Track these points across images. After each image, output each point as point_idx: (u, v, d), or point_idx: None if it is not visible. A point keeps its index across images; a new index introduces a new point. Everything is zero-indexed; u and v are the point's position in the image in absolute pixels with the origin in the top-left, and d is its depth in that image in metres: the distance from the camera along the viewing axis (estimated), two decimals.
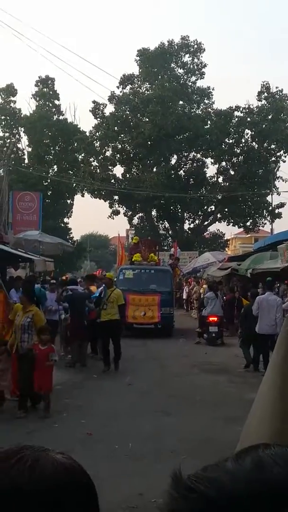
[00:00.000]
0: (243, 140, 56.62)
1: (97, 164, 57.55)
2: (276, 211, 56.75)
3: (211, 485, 0.93)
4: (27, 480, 1.07)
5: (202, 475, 0.97)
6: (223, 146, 55.86)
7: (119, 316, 18.35)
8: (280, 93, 55.63)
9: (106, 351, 17.86)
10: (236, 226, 61.08)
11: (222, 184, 58.17)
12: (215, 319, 24.17)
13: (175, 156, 58.95)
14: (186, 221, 61.07)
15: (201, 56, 59.78)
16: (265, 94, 55.92)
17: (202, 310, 25.30)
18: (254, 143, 56.59)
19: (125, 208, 59.56)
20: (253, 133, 55.59)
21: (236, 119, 55.70)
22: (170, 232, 60.47)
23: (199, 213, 60.10)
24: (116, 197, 58.02)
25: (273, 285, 19.81)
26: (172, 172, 57.23)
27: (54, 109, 60.71)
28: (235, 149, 56.75)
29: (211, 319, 24.16)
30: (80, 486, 1.14)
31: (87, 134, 57.85)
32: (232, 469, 0.95)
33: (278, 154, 56.76)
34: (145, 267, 28.33)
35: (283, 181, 57.19)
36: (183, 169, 59.57)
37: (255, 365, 17.85)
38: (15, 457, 1.11)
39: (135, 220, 61.44)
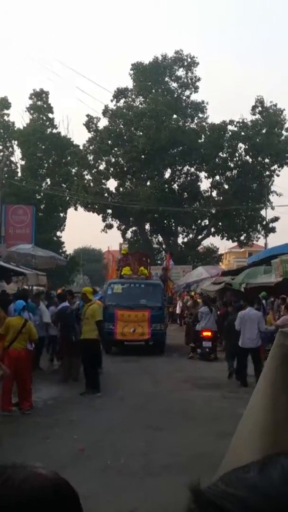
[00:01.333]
0: (237, 154, 56.80)
1: (90, 178, 57.64)
2: (270, 225, 56.89)
3: (239, 504, 0.87)
4: (15, 502, 1.07)
5: (226, 491, 0.91)
6: (217, 160, 56.02)
7: (97, 335, 16.50)
8: (274, 107, 55.84)
9: (85, 373, 16.71)
10: (230, 240, 61.15)
11: (216, 198, 58.26)
12: (209, 334, 24.07)
13: (169, 170, 59.03)
14: (180, 235, 61.17)
15: (195, 70, 60.00)
16: (259, 108, 56.11)
17: (195, 325, 24.93)
18: (248, 157, 56.77)
19: (118, 222, 59.58)
20: (247, 147, 55.77)
21: (230, 133, 55.88)
22: (163, 246, 60.49)
23: (193, 227, 60.18)
24: (109, 211, 58.07)
25: (255, 300, 20.15)
26: (166, 186, 57.29)
27: (47, 123, 60.75)
28: (229, 163, 56.91)
29: (204, 333, 24.05)
30: (66, 502, 1.14)
31: (81, 147, 57.92)
32: (259, 484, 0.88)
33: (272, 168, 56.91)
34: (135, 281, 27.52)
35: (277, 195, 57.37)
36: (177, 183, 59.66)
37: (240, 378, 17.98)
38: (2, 478, 1.12)
39: (129, 234, 61.48)
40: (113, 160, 57.33)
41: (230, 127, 55.95)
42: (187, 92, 60.16)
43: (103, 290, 31.35)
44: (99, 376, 17.21)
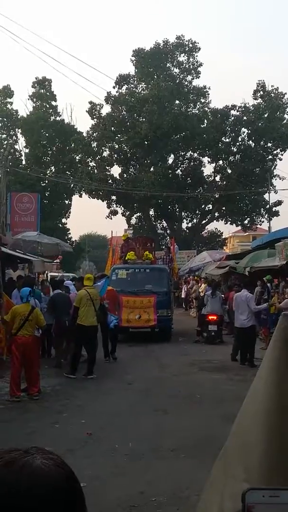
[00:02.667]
0: (239, 139, 56.80)
1: (94, 165, 57.61)
2: (274, 209, 56.84)
3: None
4: (15, 490, 1.14)
5: None
6: (220, 145, 55.94)
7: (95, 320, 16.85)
8: (276, 92, 55.71)
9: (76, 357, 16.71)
10: (234, 224, 61.20)
11: (220, 183, 58.27)
12: (215, 317, 24.25)
13: (172, 156, 59.00)
14: (184, 220, 61.15)
15: (197, 55, 59.75)
16: (261, 92, 56.00)
17: (201, 309, 25.16)
18: (250, 141, 56.74)
19: (123, 208, 59.58)
20: (249, 131, 55.72)
21: (233, 118, 55.83)
22: (168, 231, 60.52)
23: (197, 212, 60.18)
24: (113, 197, 58.07)
25: (250, 283, 21.28)
26: (170, 171, 57.21)
27: (51, 110, 60.62)
28: (232, 148, 56.90)
29: (210, 317, 24.23)
30: (66, 490, 1.19)
31: (84, 134, 57.86)
32: None
33: (275, 152, 56.90)
34: (140, 266, 26.46)
35: (280, 179, 57.44)
36: (180, 168, 59.61)
37: (232, 354, 19.32)
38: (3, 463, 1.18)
39: (133, 220, 61.45)
40: (116, 146, 57.28)
41: (232, 112, 55.92)
42: (189, 78, 59.95)
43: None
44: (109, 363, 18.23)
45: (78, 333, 16.46)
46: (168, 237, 56.13)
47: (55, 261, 36.01)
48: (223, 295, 25.93)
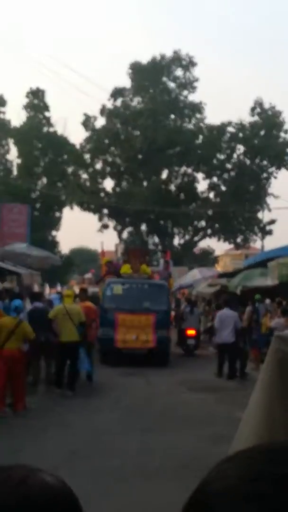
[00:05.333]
0: (235, 156, 56.86)
1: (86, 177, 57.65)
2: (267, 228, 56.87)
3: None
4: (13, 502, 1.04)
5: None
6: (215, 161, 56.02)
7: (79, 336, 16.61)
8: (273, 110, 55.87)
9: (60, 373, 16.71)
10: (226, 242, 61.17)
11: (213, 200, 58.32)
12: (193, 332, 26.37)
13: (166, 170, 58.99)
14: (176, 236, 61.10)
15: (193, 70, 59.92)
16: (258, 110, 56.13)
17: (181, 324, 26.93)
18: (246, 159, 56.78)
19: (114, 222, 59.56)
20: (245, 148, 55.78)
21: (228, 134, 55.90)
22: (159, 247, 60.49)
23: (189, 228, 60.15)
24: (105, 211, 58.06)
25: (232, 302, 21.61)
26: (163, 186, 57.26)
27: (44, 121, 60.69)
28: (227, 165, 56.95)
29: (189, 332, 26.25)
30: (67, 508, 1.11)
31: (77, 146, 57.90)
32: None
33: (270, 170, 56.93)
34: (137, 281, 24.34)
35: (274, 197, 57.34)
36: (173, 183, 59.63)
37: (217, 369, 20.20)
38: (2, 477, 1.10)
39: (125, 234, 61.41)
40: (110, 159, 57.35)
41: (228, 128, 56.01)
42: (185, 92, 60.10)
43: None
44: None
45: (58, 349, 16.40)
46: (159, 253, 56.02)
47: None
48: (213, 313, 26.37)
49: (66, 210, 61.60)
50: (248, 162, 56.69)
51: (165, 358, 23.06)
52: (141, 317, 22.78)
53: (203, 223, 59.48)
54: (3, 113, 60.22)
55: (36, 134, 57.98)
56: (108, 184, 58.99)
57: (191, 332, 26.23)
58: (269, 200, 57.02)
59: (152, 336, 22.61)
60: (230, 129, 56.00)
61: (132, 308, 22.84)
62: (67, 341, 16.23)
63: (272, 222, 57.07)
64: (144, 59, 60.25)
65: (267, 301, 24.43)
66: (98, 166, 57.86)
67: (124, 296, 23.45)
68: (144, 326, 22.69)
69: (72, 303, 17.21)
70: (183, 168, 58.84)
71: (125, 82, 66.34)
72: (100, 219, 58.54)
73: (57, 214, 61.29)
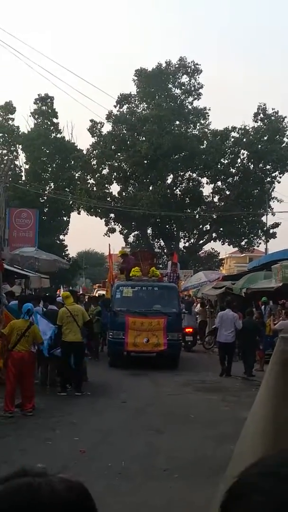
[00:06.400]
0: (238, 161, 56.82)
1: (93, 182, 57.64)
2: (271, 231, 56.83)
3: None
4: (27, 505, 1.15)
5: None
6: (219, 166, 56.01)
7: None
8: (276, 115, 55.91)
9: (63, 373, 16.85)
10: (231, 245, 61.25)
11: (218, 204, 58.27)
12: (191, 330, 28.40)
13: (171, 175, 59.01)
14: (181, 239, 61.03)
15: (198, 77, 60.04)
16: (261, 115, 56.17)
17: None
18: (249, 163, 56.78)
19: (121, 226, 59.66)
20: (249, 153, 55.78)
21: (232, 139, 55.91)
22: (165, 250, 60.49)
23: (194, 232, 60.15)
24: (112, 215, 58.13)
25: (232, 303, 22.16)
26: (168, 191, 57.31)
27: (52, 127, 60.89)
28: (231, 169, 56.94)
29: (187, 330, 27.77)
30: (83, 508, 1.22)
31: (84, 152, 58.01)
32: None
33: (273, 174, 56.90)
34: (147, 283, 24.01)
35: (277, 201, 57.36)
36: (179, 188, 59.64)
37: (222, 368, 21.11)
38: (18, 481, 1.20)
39: (131, 238, 61.52)
40: (116, 164, 57.36)
41: (232, 134, 56.00)
42: (190, 99, 60.23)
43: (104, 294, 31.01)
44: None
45: (62, 349, 16.43)
46: (165, 256, 56.00)
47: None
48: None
49: (74, 215, 61.80)
50: (251, 166, 56.70)
51: (176, 362, 22.65)
52: (152, 320, 22.30)
53: (207, 227, 59.48)
54: (12, 119, 60.47)
55: (44, 140, 58.18)
56: (115, 189, 59.13)
57: (189, 330, 27.89)
58: (273, 204, 57.21)
59: (163, 339, 22.05)
60: (234, 134, 56.04)
61: (143, 311, 22.51)
62: (71, 341, 16.38)
63: (276, 225, 57.09)
64: (150, 66, 60.38)
65: (271, 303, 24.69)
66: (105, 171, 57.91)
67: (134, 298, 23.08)
68: (155, 329, 22.17)
69: (73, 303, 17.27)
70: (188, 173, 58.88)
71: (131, 88, 66.53)
72: (107, 223, 58.64)
73: (65, 218, 61.49)
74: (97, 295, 35.85)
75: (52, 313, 17.67)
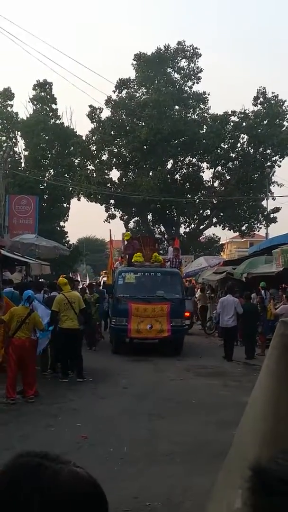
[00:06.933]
0: (238, 145, 56.67)
1: (93, 168, 57.49)
2: (271, 215, 56.79)
3: None
4: (45, 490, 1.17)
5: None
6: (219, 150, 55.86)
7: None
8: (276, 99, 55.69)
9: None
10: (231, 230, 61.12)
11: (218, 189, 58.16)
12: (188, 314, 27.68)
13: (171, 161, 58.89)
14: (182, 225, 60.96)
15: (197, 61, 59.78)
16: (261, 99, 55.98)
17: None
18: (250, 148, 56.63)
19: (121, 212, 59.54)
20: (249, 138, 55.65)
21: (232, 124, 55.75)
22: (165, 236, 60.45)
23: (195, 217, 60.03)
24: (112, 201, 58.01)
25: (233, 288, 22.30)
26: (168, 176, 57.17)
27: (51, 113, 60.69)
28: (231, 154, 56.80)
29: (185, 314, 26.19)
30: (93, 497, 1.26)
31: (84, 138, 57.84)
32: None
33: (274, 159, 56.76)
34: (150, 269, 23.79)
35: (278, 186, 57.21)
36: (179, 173, 59.53)
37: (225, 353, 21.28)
38: (35, 467, 1.21)
39: (131, 224, 61.39)
40: (115, 150, 57.23)
41: (232, 118, 55.81)
42: (189, 83, 59.97)
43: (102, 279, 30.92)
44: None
45: (59, 336, 16.34)
46: (165, 242, 55.96)
47: None
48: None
49: (74, 201, 61.70)
50: (252, 151, 56.55)
51: (179, 348, 22.53)
52: (155, 306, 22.06)
53: (208, 212, 59.40)
54: (11, 106, 60.23)
55: (43, 126, 58.02)
56: (115, 174, 59.01)
57: (187, 314, 27.00)
58: (273, 188, 57.07)
59: (167, 325, 21.81)
60: (234, 118, 55.86)
61: (146, 297, 22.28)
62: (68, 328, 16.37)
63: (276, 210, 56.99)
64: (149, 50, 60.10)
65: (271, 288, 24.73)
66: (104, 157, 57.78)
67: (137, 285, 22.92)
68: (158, 315, 21.93)
69: (70, 290, 17.24)
70: (188, 158, 58.75)
71: (130, 73, 66.30)
72: (107, 209, 58.56)
73: (65, 205, 61.43)
74: (102, 282, 35.92)
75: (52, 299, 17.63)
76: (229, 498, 2.67)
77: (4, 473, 1.23)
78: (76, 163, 59.00)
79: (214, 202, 57.03)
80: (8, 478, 1.21)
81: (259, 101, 56.07)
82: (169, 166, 58.94)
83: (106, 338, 25.09)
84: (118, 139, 56.40)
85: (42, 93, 60.53)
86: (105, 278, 37.24)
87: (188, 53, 59.22)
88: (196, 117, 57.68)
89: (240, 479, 2.72)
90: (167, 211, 59.12)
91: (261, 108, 55.87)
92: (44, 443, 9.70)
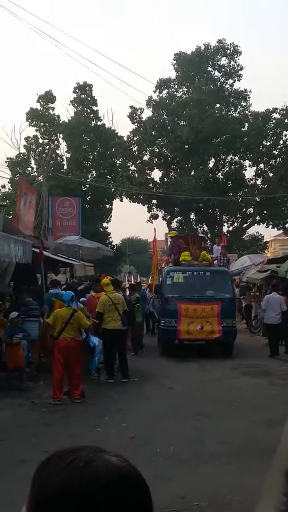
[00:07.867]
0: (281, 142, 56.33)
1: (135, 169, 57.59)
2: None
3: None
4: (77, 481, 1.15)
5: None
6: (261, 148, 55.62)
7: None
8: None
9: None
10: (275, 228, 60.75)
11: (261, 186, 57.90)
12: None
13: (212, 159, 58.70)
14: (225, 224, 60.82)
15: (238, 59, 59.50)
16: None
17: None
18: None
19: (163, 212, 59.49)
20: None
21: (274, 121, 55.45)
22: (209, 235, 60.29)
23: (238, 215, 59.84)
24: (154, 201, 57.98)
25: (278, 286, 22.41)
26: (210, 175, 57.00)
27: (92, 115, 60.87)
28: (273, 151, 56.49)
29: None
30: (133, 488, 1.24)
31: (125, 139, 57.93)
32: None
33: None
34: (198, 268, 22.96)
35: None
36: (221, 172, 59.31)
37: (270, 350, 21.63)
38: (69, 458, 1.20)
39: (174, 224, 61.27)
40: (157, 150, 57.20)
41: (274, 115, 55.54)
42: (230, 81, 59.75)
43: (150, 280, 30.78)
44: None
45: (103, 337, 16.21)
46: (209, 241, 55.82)
47: None
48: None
49: (116, 202, 61.83)
50: None
51: (230, 349, 21.85)
52: (205, 306, 21.39)
53: (251, 210, 59.16)
54: (52, 109, 60.54)
55: (84, 128, 58.25)
56: (156, 174, 59.01)
57: None
58: None
59: (218, 326, 21.16)
60: (276, 115, 55.57)
61: (195, 297, 21.62)
62: (112, 329, 16.39)
63: None
64: (189, 49, 59.96)
65: None
66: (146, 157, 57.82)
67: (185, 284, 22.22)
68: (209, 316, 21.24)
69: (113, 291, 17.17)
70: (230, 156, 58.53)
71: (170, 73, 66.16)
72: (150, 209, 58.55)
73: (107, 206, 61.62)
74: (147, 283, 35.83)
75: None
76: (277, 497, 2.65)
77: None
78: (118, 164, 59.14)
79: (257, 200, 56.74)
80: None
81: None
82: (210, 165, 58.73)
83: (148, 341, 24.81)
84: (159, 139, 56.39)
85: (83, 95, 60.75)
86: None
87: (228, 51, 58.97)
88: (237, 115, 57.46)
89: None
90: (210, 210, 58.96)
91: None
92: (91, 443, 9.53)
